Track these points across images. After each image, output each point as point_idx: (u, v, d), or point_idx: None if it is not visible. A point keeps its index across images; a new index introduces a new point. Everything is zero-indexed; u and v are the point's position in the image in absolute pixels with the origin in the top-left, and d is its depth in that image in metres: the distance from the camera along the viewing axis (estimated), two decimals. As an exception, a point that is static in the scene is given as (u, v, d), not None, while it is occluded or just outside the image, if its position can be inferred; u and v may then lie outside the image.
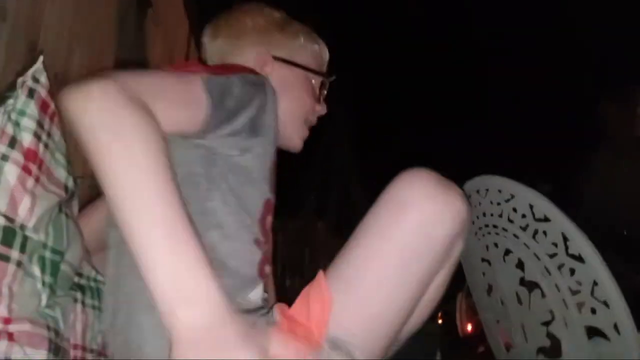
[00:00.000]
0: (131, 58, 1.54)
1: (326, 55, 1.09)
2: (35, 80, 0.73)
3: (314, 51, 1.05)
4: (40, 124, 0.72)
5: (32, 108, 0.71)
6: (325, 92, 1.07)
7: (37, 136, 0.72)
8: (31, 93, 0.72)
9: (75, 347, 0.82)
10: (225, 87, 0.75)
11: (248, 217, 0.79)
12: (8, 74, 0.81)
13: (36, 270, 0.72)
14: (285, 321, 0.74)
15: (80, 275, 0.87)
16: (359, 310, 0.74)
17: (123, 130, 0.59)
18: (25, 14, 0.88)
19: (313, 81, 1.04)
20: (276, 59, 0.99)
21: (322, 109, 1.06)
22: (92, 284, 0.90)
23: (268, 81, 0.85)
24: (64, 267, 0.77)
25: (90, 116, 0.59)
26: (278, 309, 0.76)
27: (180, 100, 0.71)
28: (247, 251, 0.79)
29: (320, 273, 0.77)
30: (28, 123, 0.70)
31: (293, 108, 0.99)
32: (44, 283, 0.72)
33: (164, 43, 1.96)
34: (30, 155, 0.70)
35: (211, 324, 0.57)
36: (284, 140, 0.97)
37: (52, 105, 0.76)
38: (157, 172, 0.59)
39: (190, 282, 0.58)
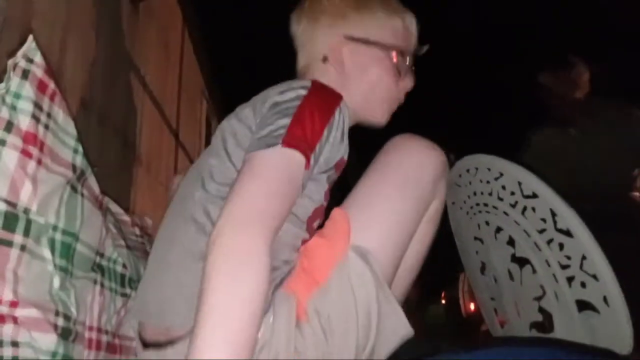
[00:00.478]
0: (125, 50, 1.55)
1: (413, 26, 1.07)
2: (29, 60, 0.71)
3: (394, 26, 1.04)
4: (37, 105, 0.71)
5: (28, 89, 0.70)
6: (412, 65, 1.07)
7: (35, 118, 0.70)
8: (25, 74, 0.70)
9: (90, 329, 0.83)
10: (321, 149, 0.84)
11: (299, 220, 0.88)
12: (2, 69, 0.81)
13: (46, 252, 0.72)
14: (303, 254, 0.85)
15: (102, 255, 0.88)
16: (373, 226, 0.88)
17: (234, 283, 0.66)
18: (18, 9, 0.88)
19: (395, 57, 1.03)
20: (352, 39, 1.00)
21: (407, 84, 1.08)
22: (112, 265, 0.91)
23: (346, 108, 0.89)
24: (80, 248, 0.78)
25: (216, 254, 0.67)
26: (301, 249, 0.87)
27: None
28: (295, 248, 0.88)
29: (335, 209, 0.89)
30: (24, 105, 0.69)
31: (372, 89, 1.02)
32: (55, 265, 0.73)
33: (157, 34, 1.97)
34: (30, 138, 0.69)
35: None
36: (366, 118, 1.06)
37: (52, 85, 0.74)
38: (245, 329, 0.66)
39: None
